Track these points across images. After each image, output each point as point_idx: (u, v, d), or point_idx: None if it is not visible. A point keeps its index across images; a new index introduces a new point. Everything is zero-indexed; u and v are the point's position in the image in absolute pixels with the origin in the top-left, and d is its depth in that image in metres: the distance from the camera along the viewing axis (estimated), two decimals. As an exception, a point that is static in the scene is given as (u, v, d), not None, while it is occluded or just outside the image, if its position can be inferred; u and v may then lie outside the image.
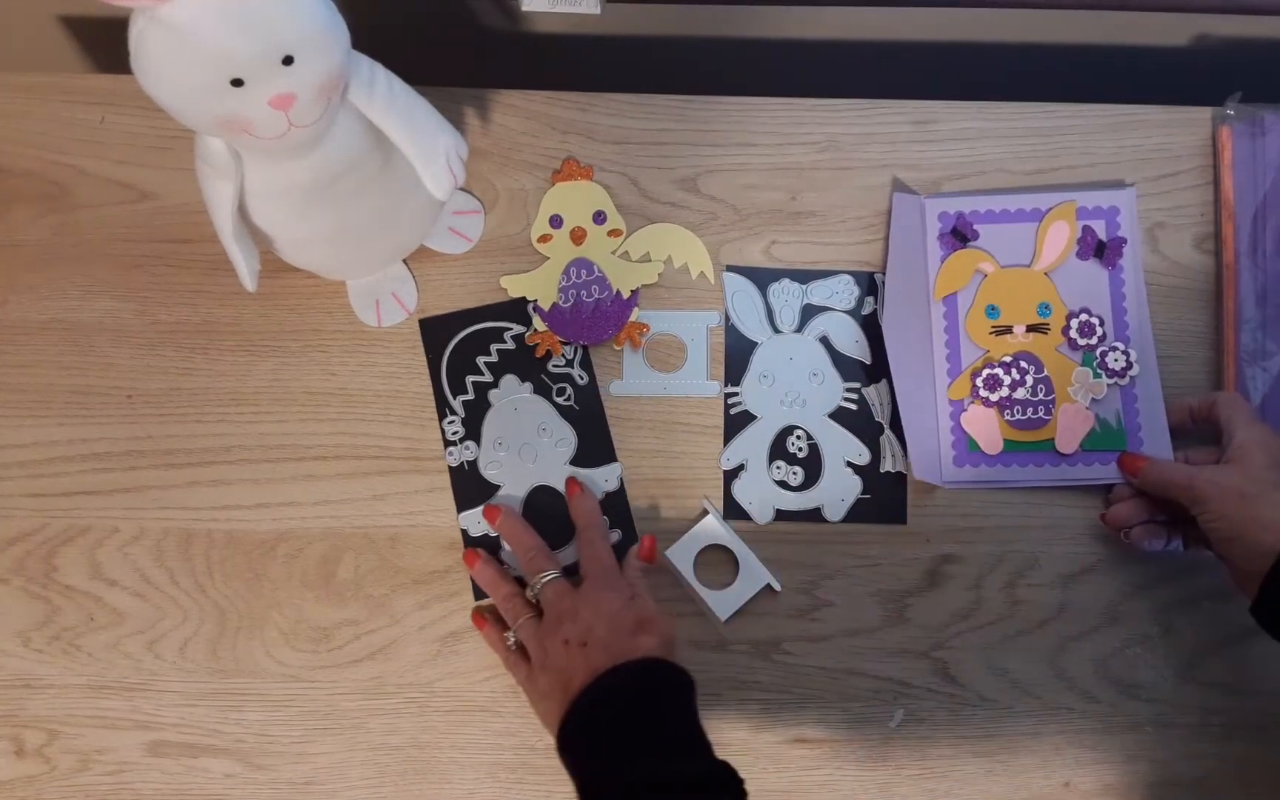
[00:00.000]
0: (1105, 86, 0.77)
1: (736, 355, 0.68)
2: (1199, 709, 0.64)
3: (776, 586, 0.65)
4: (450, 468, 0.67)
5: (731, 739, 0.64)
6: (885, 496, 0.67)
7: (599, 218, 0.69)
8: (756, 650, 0.65)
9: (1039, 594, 0.66)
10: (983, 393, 0.66)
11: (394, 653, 0.65)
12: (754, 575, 0.65)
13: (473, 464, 0.67)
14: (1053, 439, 0.66)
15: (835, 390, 0.68)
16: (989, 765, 0.64)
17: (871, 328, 0.68)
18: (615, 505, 0.66)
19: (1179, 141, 0.70)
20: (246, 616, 0.65)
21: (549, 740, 0.64)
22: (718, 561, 0.66)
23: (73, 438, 0.67)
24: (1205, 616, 0.65)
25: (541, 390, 0.68)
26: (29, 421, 0.67)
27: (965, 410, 0.66)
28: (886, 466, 0.67)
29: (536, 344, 0.68)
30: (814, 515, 0.66)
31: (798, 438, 0.67)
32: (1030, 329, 0.67)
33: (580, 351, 0.68)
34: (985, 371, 0.66)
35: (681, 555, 0.65)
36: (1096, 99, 0.71)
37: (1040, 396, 0.66)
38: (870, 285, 0.69)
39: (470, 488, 0.66)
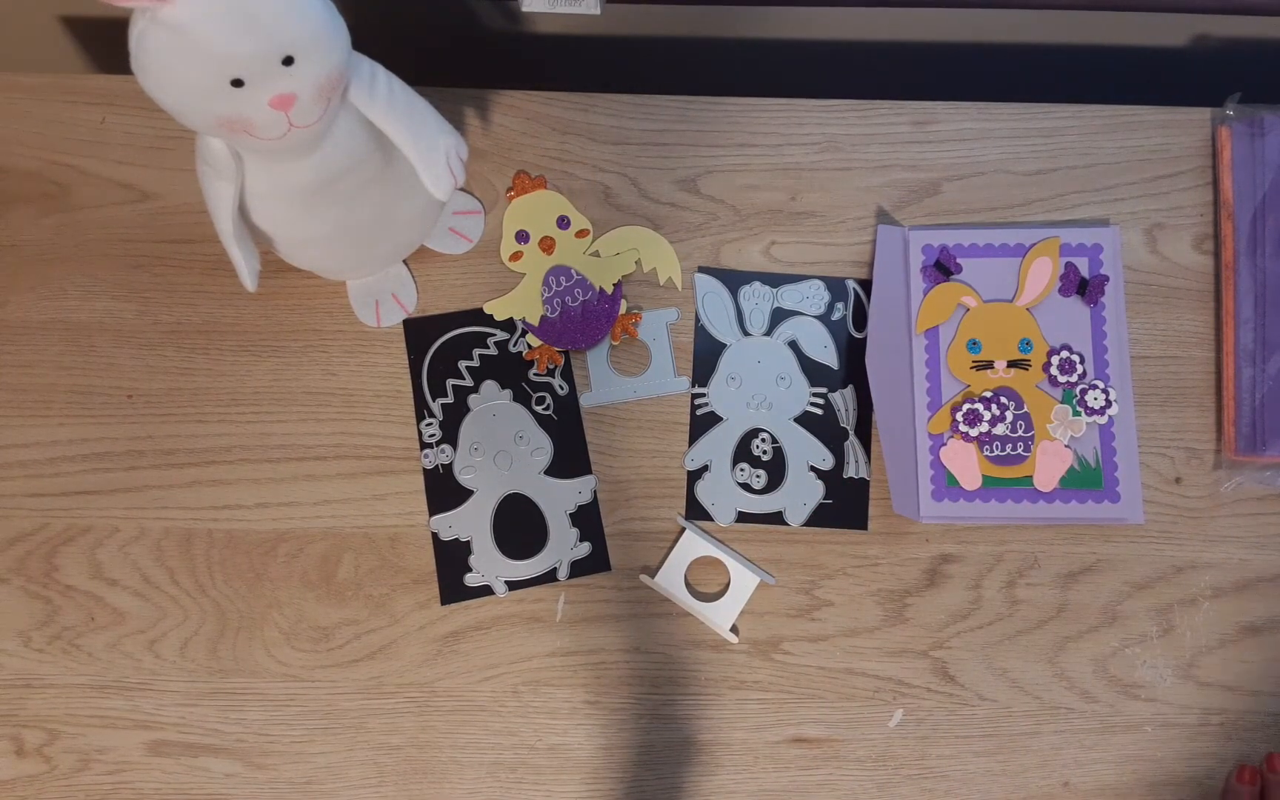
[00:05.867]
0: (1105, 86, 0.77)
1: (705, 356, 0.68)
2: (1198, 709, 0.64)
3: (770, 581, 0.65)
4: (425, 470, 0.67)
5: (731, 739, 0.64)
6: (847, 502, 0.67)
7: (563, 223, 0.69)
8: (756, 650, 0.65)
9: (1038, 594, 0.66)
10: (962, 427, 0.66)
11: (394, 653, 0.65)
12: (746, 579, 0.65)
13: (448, 467, 0.67)
14: (1031, 476, 0.66)
15: (802, 394, 0.68)
16: (988, 765, 0.64)
17: (841, 334, 0.68)
18: (588, 518, 0.66)
19: (1178, 142, 0.70)
20: (247, 616, 0.65)
21: (549, 740, 0.64)
22: (704, 564, 0.66)
23: (73, 438, 0.67)
24: (1205, 616, 0.65)
25: (521, 398, 0.68)
26: (30, 421, 0.67)
27: (945, 445, 0.66)
28: (850, 472, 0.67)
29: (536, 359, 0.68)
30: (775, 518, 0.66)
31: (763, 440, 0.67)
32: (1011, 365, 0.67)
33: (563, 360, 0.68)
34: (965, 406, 0.66)
35: (670, 578, 0.65)
36: (1096, 99, 0.71)
37: (1020, 433, 0.66)
38: (841, 291, 0.69)
39: (444, 491, 0.66)
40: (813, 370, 0.68)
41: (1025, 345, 0.67)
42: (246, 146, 0.54)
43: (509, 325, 0.68)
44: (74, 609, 0.65)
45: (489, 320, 0.68)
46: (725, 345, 0.69)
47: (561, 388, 0.68)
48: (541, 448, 0.67)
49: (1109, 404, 0.66)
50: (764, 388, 0.68)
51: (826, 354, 0.68)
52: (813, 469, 0.67)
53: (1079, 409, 0.66)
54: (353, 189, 0.59)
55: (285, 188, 0.58)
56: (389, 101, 0.57)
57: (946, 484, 0.66)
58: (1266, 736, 0.64)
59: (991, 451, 0.66)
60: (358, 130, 0.57)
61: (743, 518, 0.67)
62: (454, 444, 0.67)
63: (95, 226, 0.70)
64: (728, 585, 0.65)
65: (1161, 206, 0.70)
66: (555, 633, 0.66)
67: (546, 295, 0.68)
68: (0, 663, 0.65)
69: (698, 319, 0.69)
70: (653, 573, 0.66)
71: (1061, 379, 0.66)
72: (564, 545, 0.66)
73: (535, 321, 0.68)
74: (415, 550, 0.66)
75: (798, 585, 0.66)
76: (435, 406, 0.67)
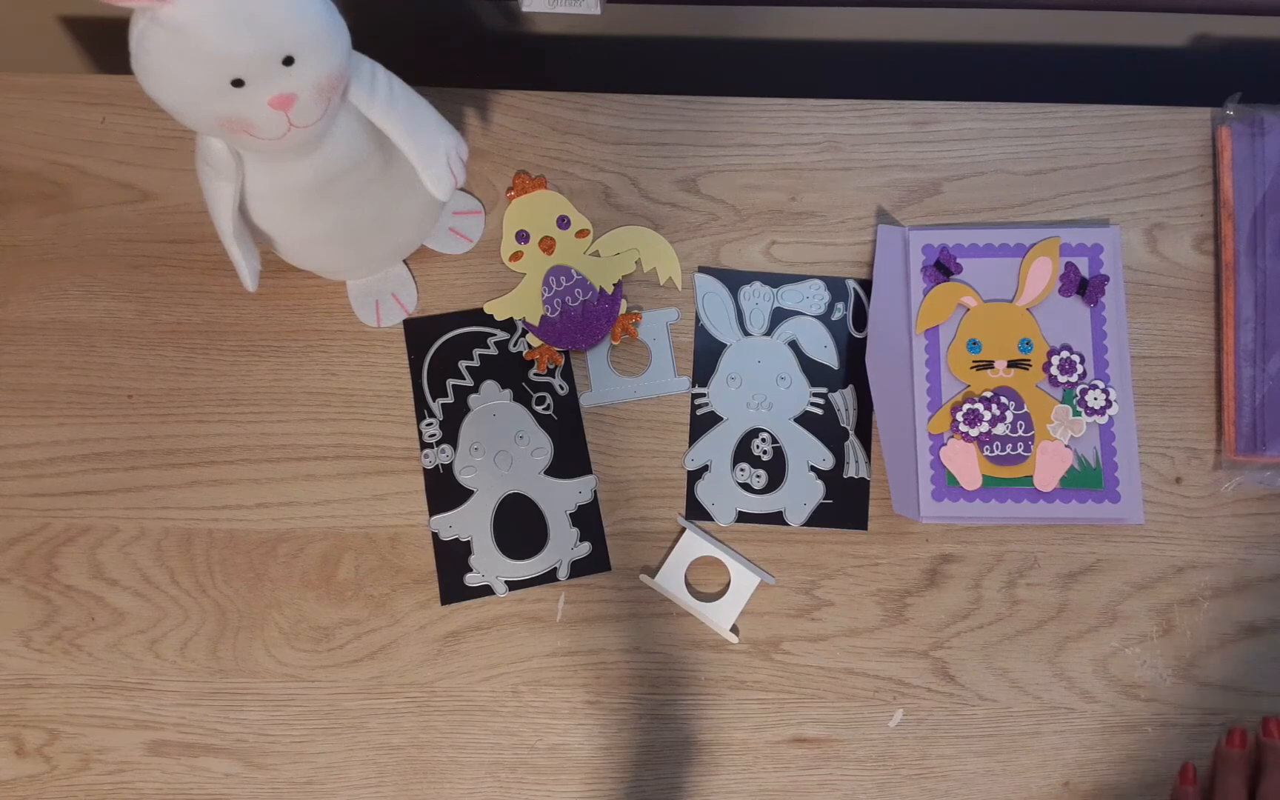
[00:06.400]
0: (1105, 86, 0.77)
1: (705, 357, 0.68)
2: (1198, 709, 0.64)
3: (770, 580, 0.65)
4: (425, 470, 0.67)
5: (731, 739, 0.64)
6: (847, 502, 0.67)
7: (563, 223, 0.69)
8: (756, 650, 0.65)
9: (1038, 594, 0.66)
10: (962, 427, 0.66)
11: (394, 653, 0.65)
12: (746, 579, 0.65)
13: (448, 467, 0.67)
14: (1031, 476, 0.66)
15: (802, 394, 0.68)
16: (989, 765, 0.64)
17: (841, 334, 0.68)
18: (588, 518, 0.66)
19: (1179, 142, 0.70)
20: (247, 616, 0.65)
21: (549, 740, 0.64)
22: (704, 564, 0.66)
23: (73, 438, 0.67)
24: (1205, 616, 0.65)
25: (521, 398, 0.68)
26: (30, 421, 0.67)
27: (945, 444, 0.66)
28: (850, 472, 0.67)
29: (536, 359, 0.68)
30: (775, 518, 0.66)
31: (763, 440, 0.67)
32: (1011, 365, 0.67)
33: (563, 360, 0.68)
34: (966, 406, 0.66)
35: (670, 578, 0.65)
36: (1096, 99, 0.71)
37: (1020, 433, 0.66)
38: (841, 291, 0.69)
39: (444, 491, 0.66)
40: (813, 370, 0.68)
41: (1025, 345, 0.67)
42: (246, 146, 0.54)
43: (509, 325, 0.68)
44: (74, 609, 0.65)
45: (489, 320, 0.68)
46: (725, 345, 0.69)
47: (561, 388, 0.68)
48: (541, 448, 0.67)
49: (1109, 404, 0.66)
50: (764, 388, 0.68)
51: (826, 354, 0.68)
52: (813, 469, 0.67)
53: (1079, 409, 0.66)
54: (353, 189, 0.59)
55: (285, 188, 0.58)
56: (389, 101, 0.57)
57: (946, 484, 0.66)
58: (1266, 736, 0.64)
59: (991, 451, 0.66)
60: (358, 130, 0.57)
61: (743, 518, 0.67)
62: (454, 444, 0.67)
63: (95, 226, 0.70)
64: (728, 585, 0.65)
65: (1162, 206, 0.70)
66: (555, 633, 0.66)
67: (546, 295, 0.68)
68: (0, 663, 0.65)
69: (698, 319, 0.69)
70: (653, 573, 0.66)
71: (1061, 379, 0.66)
72: (564, 545, 0.66)
73: (535, 321, 0.68)
74: (415, 550, 0.66)
75: (798, 585, 0.66)
76: (435, 406, 0.68)
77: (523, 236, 0.69)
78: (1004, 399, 0.66)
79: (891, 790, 0.64)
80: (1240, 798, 0.59)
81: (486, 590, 0.66)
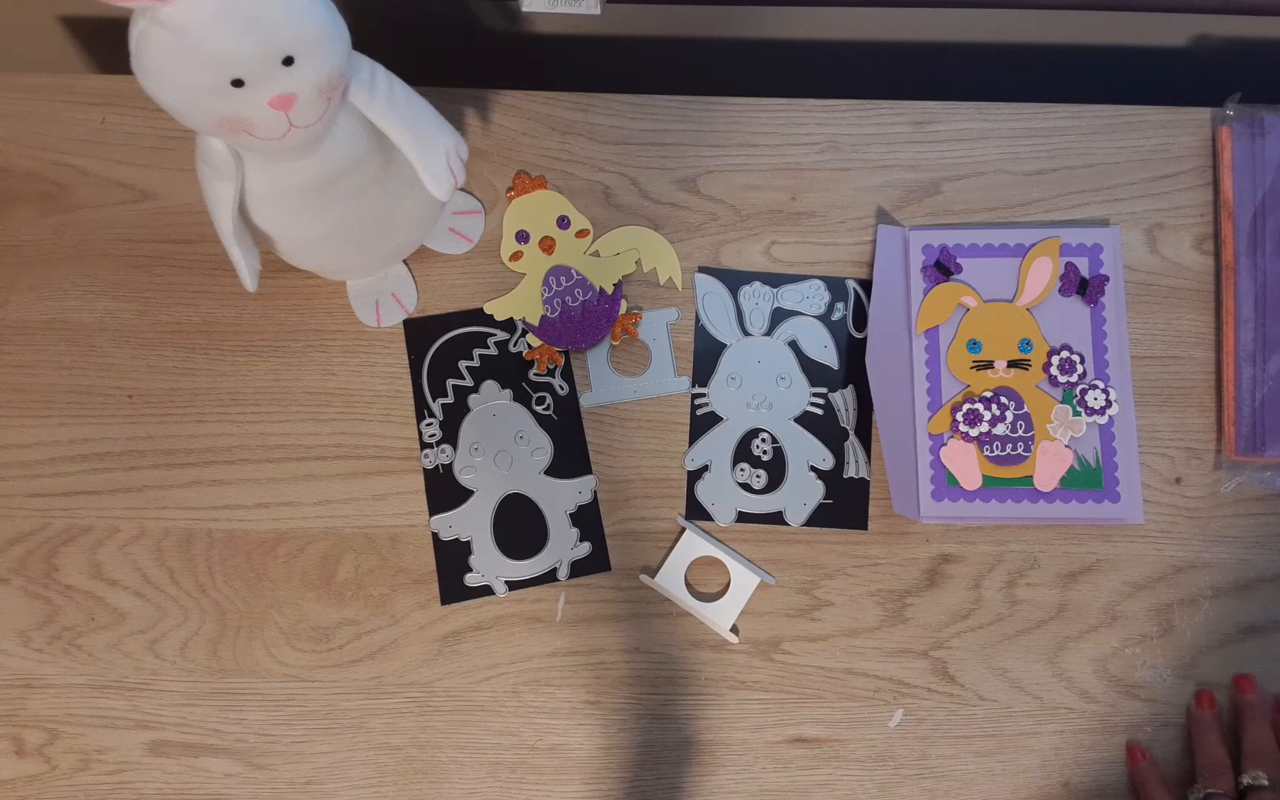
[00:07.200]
0: (1105, 86, 0.77)
1: (705, 357, 0.68)
2: (1198, 709, 0.65)
3: (770, 581, 0.65)
4: (425, 470, 0.67)
5: (731, 739, 0.64)
6: (847, 502, 0.67)
7: (563, 223, 0.69)
8: (756, 650, 0.65)
9: (1038, 594, 0.66)
10: (962, 427, 0.66)
11: (394, 653, 0.65)
12: (746, 579, 0.65)
13: (448, 467, 0.67)
14: (1031, 476, 0.66)
15: (802, 394, 0.68)
16: (988, 765, 0.64)
17: (841, 334, 0.68)
18: (588, 518, 0.66)
19: (1178, 142, 0.70)
20: (247, 616, 0.65)
21: (549, 740, 0.64)
22: (704, 564, 0.66)
23: (73, 438, 0.67)
24: (1204, 616, 0.65)
25: (521, 398, 0.68)
26: (29, 421, 0.67)
27: (945, 444, 0.66)
28: (850, 472, 0.67)
29: (536, 359, 0.68)
30: (775, 518, 0.66)
31: (763, 440, 0.67)
32: (1011, 365, 0.67)
33: (563, 360, 0.68)
34: (965, 406, 0.66)
35: (670, 578, 0.65)
36: (1096, 99, 0.71)
37: (1020, 433, 0.66)
38: (841, 291, 0.69)
39: (445, 491, 0.67)
40: (813, 370, 0.68)
41: (1025, 345, 0.67)
42: (246, 146, 0.54)
43: (509, 325, 0.68)
44: (74, 609, 0.65)
45: (489, 320, 0.68)
46: (725, 345, 0.69)
47: (561, 388, 0.68)
48: (541, 448, 0.67)
49: (1109, 404, 0.66)
50: (764, 388, 0.68)
51: (826, 354, 0.68)
52: (813, 469, 0.67)
53: (1079, 409, 0.66)
54: (353, 189, 0.59)
55: (285, 188, 0.58)
56: (389, 101, 0.57)
57: (946, 484, 0.66)
58: (1266, 736, 0.64)
59: (991, 451, 0.66)
60: (358, 130, 0.57)
61: (743, 518, 0.67)
62: (454, 444, 0.67)
63: (95, 226, 0.70)
64: (728, 585, 0.65)
65: (1162, 206, 0.70)
66: (555, 633, 0.66)
67: (546, 295, 0.68)
68: (0, 663, 0.65)
69: (698, 319, 0.69)
70: (653, 573, 0.66)
71: (1061, 379, 0.66)
72: (564, 545, 0.66)
73: (535, 321, 0.68)
74: (415, 550, 0.66)
75: (798, 585, 0.66)
76: (435, 406, 0.68)
77: (523, 236, 0.69)
78: (1004, 399, 0.66)
79: (891, 790, 0.64)
80: (1220, 756, 0.60)
81: (486, 590, 0.66)
